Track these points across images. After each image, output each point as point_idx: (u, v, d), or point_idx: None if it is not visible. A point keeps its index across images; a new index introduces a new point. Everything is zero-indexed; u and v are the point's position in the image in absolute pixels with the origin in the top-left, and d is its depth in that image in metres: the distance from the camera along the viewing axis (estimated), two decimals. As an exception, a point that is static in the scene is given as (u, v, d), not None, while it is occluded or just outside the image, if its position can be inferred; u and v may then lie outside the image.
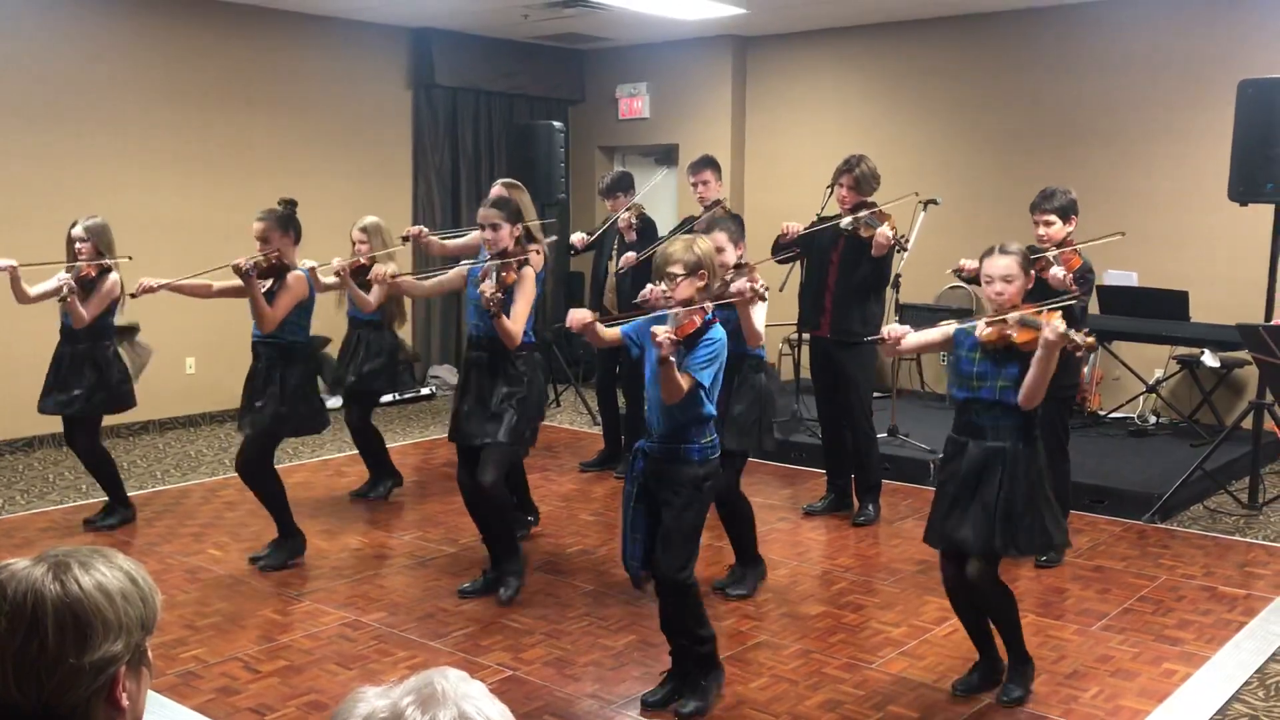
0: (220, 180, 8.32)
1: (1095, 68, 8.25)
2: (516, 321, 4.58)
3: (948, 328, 3.85)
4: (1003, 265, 3.70)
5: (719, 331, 3.64)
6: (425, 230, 5.75)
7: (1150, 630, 4.52)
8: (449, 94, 9.87)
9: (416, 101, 9.73)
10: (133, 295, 5.09)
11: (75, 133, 7.61)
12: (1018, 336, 3.57)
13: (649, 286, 3.83)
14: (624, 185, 6.83)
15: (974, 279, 5.13)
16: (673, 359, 3.43)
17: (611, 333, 3.85)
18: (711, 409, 3.65)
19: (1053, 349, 3.48)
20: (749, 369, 4.72)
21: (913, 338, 3.87)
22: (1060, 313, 3.57)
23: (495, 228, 4.65)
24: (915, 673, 4.09)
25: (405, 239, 5.72)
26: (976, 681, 3.92)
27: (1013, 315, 3.61)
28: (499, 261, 4.63)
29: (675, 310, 3.62)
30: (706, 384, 3.58)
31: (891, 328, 3.88)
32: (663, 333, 3.41)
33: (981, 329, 3.66)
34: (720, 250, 4.32)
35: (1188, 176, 7.86)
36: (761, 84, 9.94)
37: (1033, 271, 3.83)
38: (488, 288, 4.44)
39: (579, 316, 3.81)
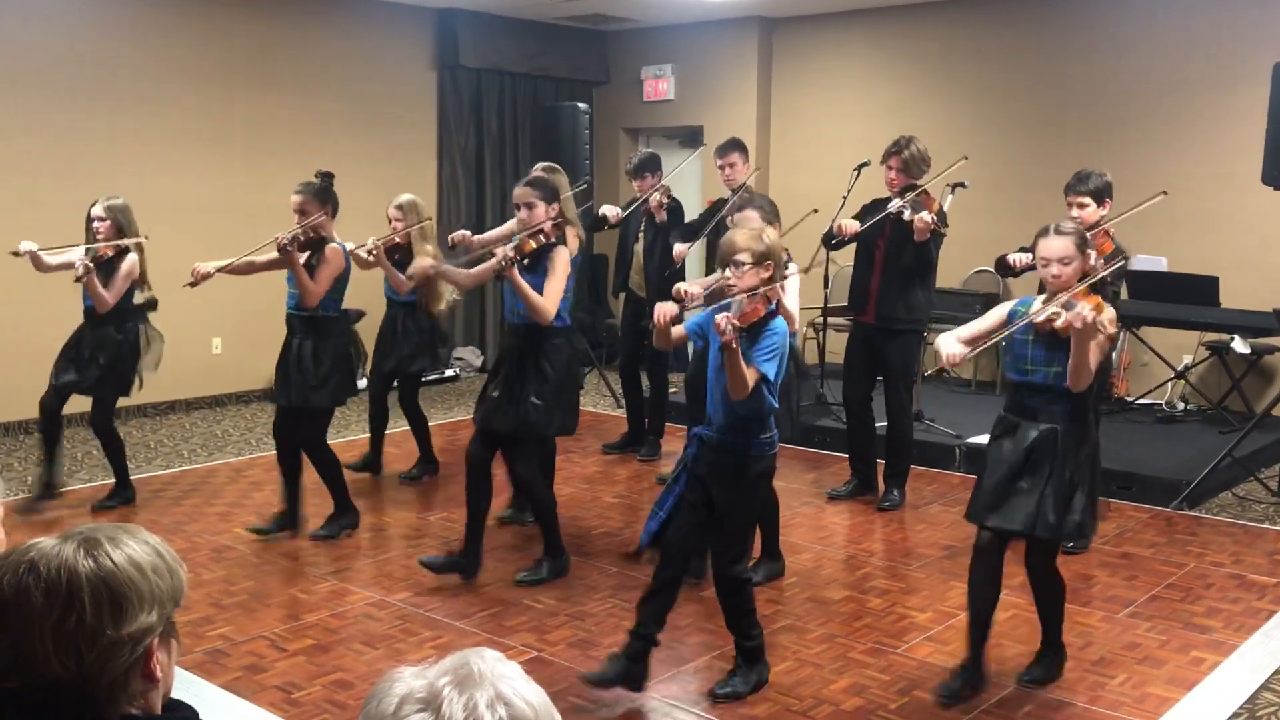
0: (244, 161, 8.34)
1: (1126, 50, 8.15)
2: (549, 299, 4.55)
3: (1001, 310, 3.77)
4: (1059, 247, 3.61)
5: (782, 324, 3.60)
6: (468, 234, 5.79)
7: (1178, 618, 4.48)
8: (474, 75, 9.86)
9: (441, 83, 9.72)
10: (191, 284, 5.10)
11: (99, 113, 7.64)
12: (1060, 321, 3.51)
13: (677, 287, 3.78)
14: (652, 166, 6.79)
15: (1020, 271, 5.05)
16: (736, 346, 3.36)
17: (678, 331, 3.75)
18: (774, 403, 3.60)
19: (1083, 336, 3.42)
20: None
21: (967, 337, 3.70)
22: (1097, 297, 3.51)
23: (530, 206, 4.62)
24: (941, 658, 4.07)
25: (452, 246, 5.78)
26: (957, 688, 3.74)
27: (1061, 298, 3.55)
28: (527, 232, 4.62)
29: (739, 297, 3.56)
30: (771, 376, 3.54)
31: (949, 354, 3.64)
32: (724, 319, 3.34)
33: (1037, 312, 3.59)
34: None
35: (1219, 160, 7.77)
36: (787, 66, 9.88)
37: (1089, 251, 3.74)
38: (502, 249, 4.43)
39: (668, 309, 3.68)
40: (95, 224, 5.50)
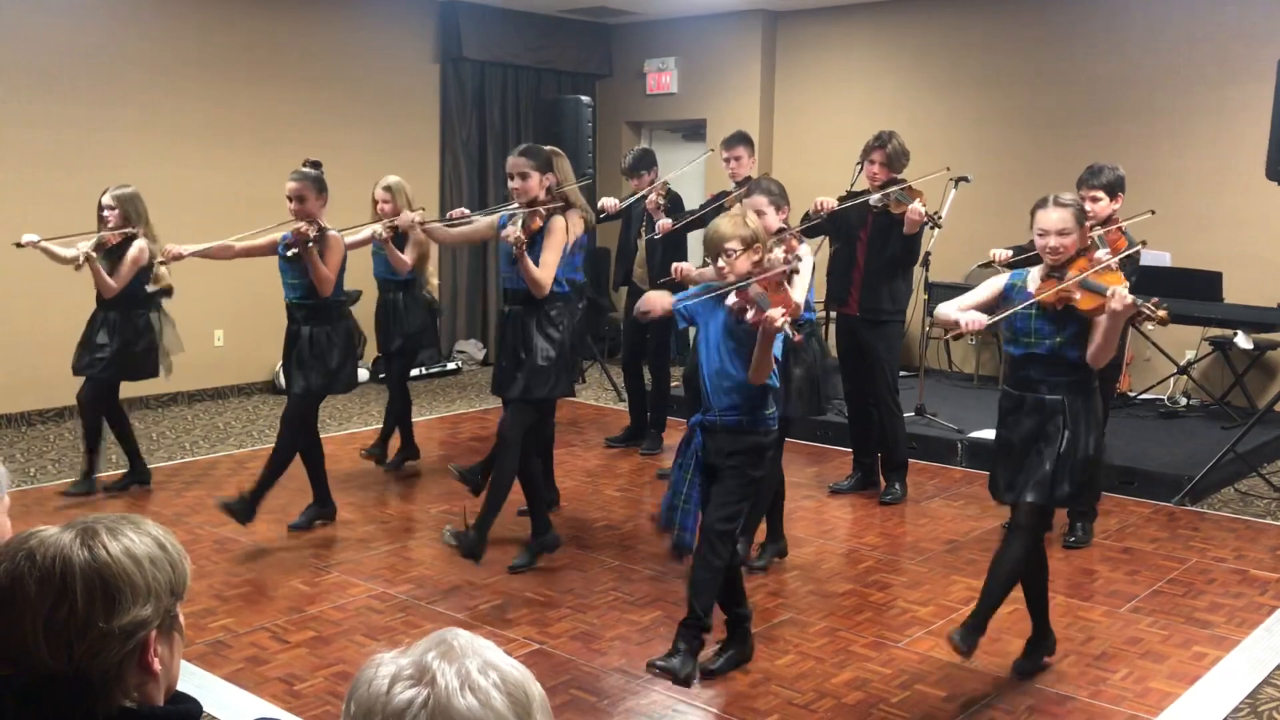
0: (247, 152, 8.33)
1: (1130, 44, 8.13)
2: (545, 270, 4.55)
3: (997, 282, 3.72)
4: (1058, 219, 3.55)
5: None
6: (467, 211, 5.81)
7: (1180, 613, 4.48)
8: (476, 68, 9.84)
9: (444, 75, 9.70)
10: (161, 263, 5.19)
11: (102, 104, 7.63)
12: (1081, 302, 3.45)
13: (675, 265, 3.79)
14: (646, 163, 6.76)
15: (1009, 266, 5.03)
16: (790, 331, 3.43)
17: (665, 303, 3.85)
18: (776, 379, 3.68)
19: (1119, 319, 3.37)
20: (802, 334, 4.68)
21: (975, 313, 3.63)
22: (1119, 275, 3.49)
23: (524, 176, 4.61)
24: (942, 652, 4.06)
25: (451, 220, 5.82)
26: (1033, 664, 3.87)
27: (1074, 277, 3.49)
28: (527, 210, 4.61)
29: (759, 285, 3.54)
30: (780, 356, 3.62)
31: (970, 321, 3.59)
32: (779, 314, 3.36)
33: (1039, 287, 3.55)
34: (761, 214, 4.28)
35: (1223, 155, 7.75)
36: (791, 59, 9.86)
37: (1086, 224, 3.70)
38: (511, 231, 4.44)
39: (661, 301, 3.78)
40: (105, 213, 5.56)
